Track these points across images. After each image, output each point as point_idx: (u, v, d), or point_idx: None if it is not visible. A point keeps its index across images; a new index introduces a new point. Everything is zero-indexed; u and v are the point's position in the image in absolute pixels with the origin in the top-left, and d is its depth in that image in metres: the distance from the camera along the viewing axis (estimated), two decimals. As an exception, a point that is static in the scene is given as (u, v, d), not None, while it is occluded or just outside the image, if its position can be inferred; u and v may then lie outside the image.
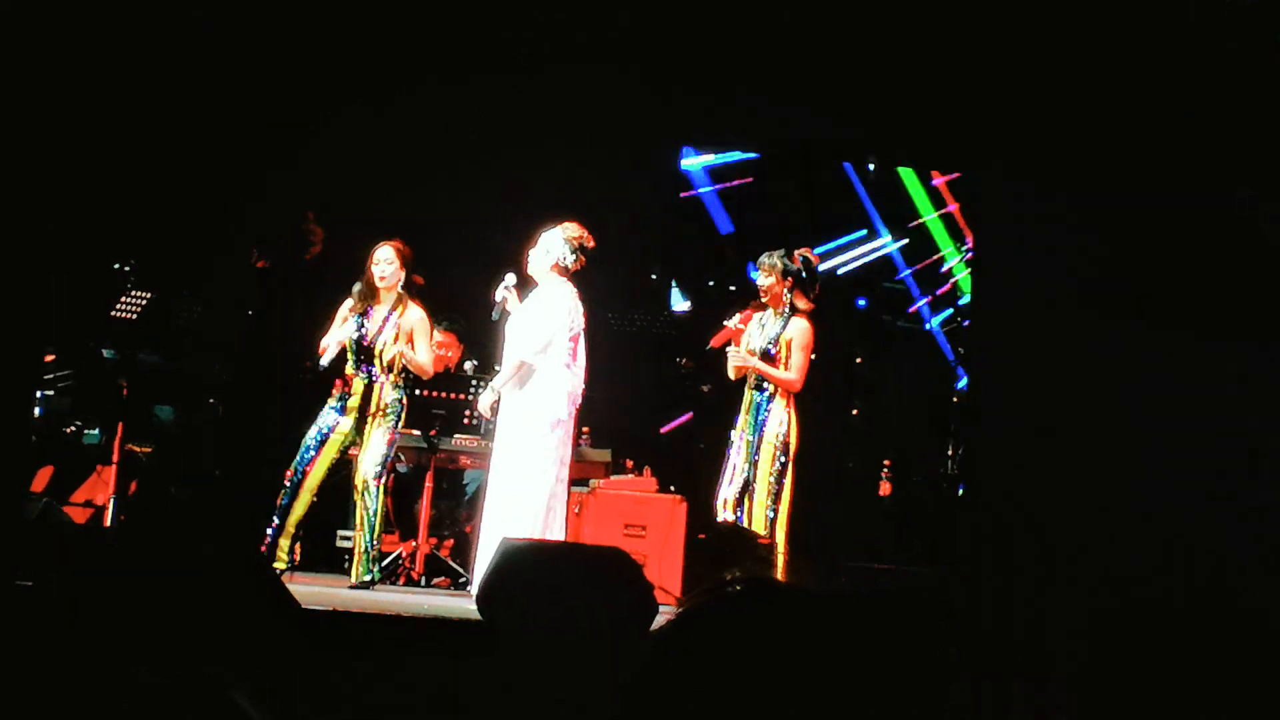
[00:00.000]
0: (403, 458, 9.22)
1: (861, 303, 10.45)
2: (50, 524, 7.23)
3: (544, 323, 7.67)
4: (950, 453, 10.34)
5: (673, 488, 9.07)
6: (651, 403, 10.57)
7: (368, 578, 8.11)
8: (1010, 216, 8.55)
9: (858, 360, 10.10)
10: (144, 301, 9.04)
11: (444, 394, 9.02)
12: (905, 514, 9.72)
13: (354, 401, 8.12)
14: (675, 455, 10.12)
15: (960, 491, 9.69)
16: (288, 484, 8.04)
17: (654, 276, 10.83)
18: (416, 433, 8.94)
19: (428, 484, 8.93)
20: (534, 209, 8.28)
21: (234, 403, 9.38)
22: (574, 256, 7.78)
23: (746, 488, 7.81)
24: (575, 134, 10.60)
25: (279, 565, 7.88)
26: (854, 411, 10.06)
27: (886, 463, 9.99)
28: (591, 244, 7.83)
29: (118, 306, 9.04)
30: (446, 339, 9.42)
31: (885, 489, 9.92)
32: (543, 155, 10.52)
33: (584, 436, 9.28)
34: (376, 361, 8.13)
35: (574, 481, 9.24)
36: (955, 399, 10.34)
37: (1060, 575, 6.64)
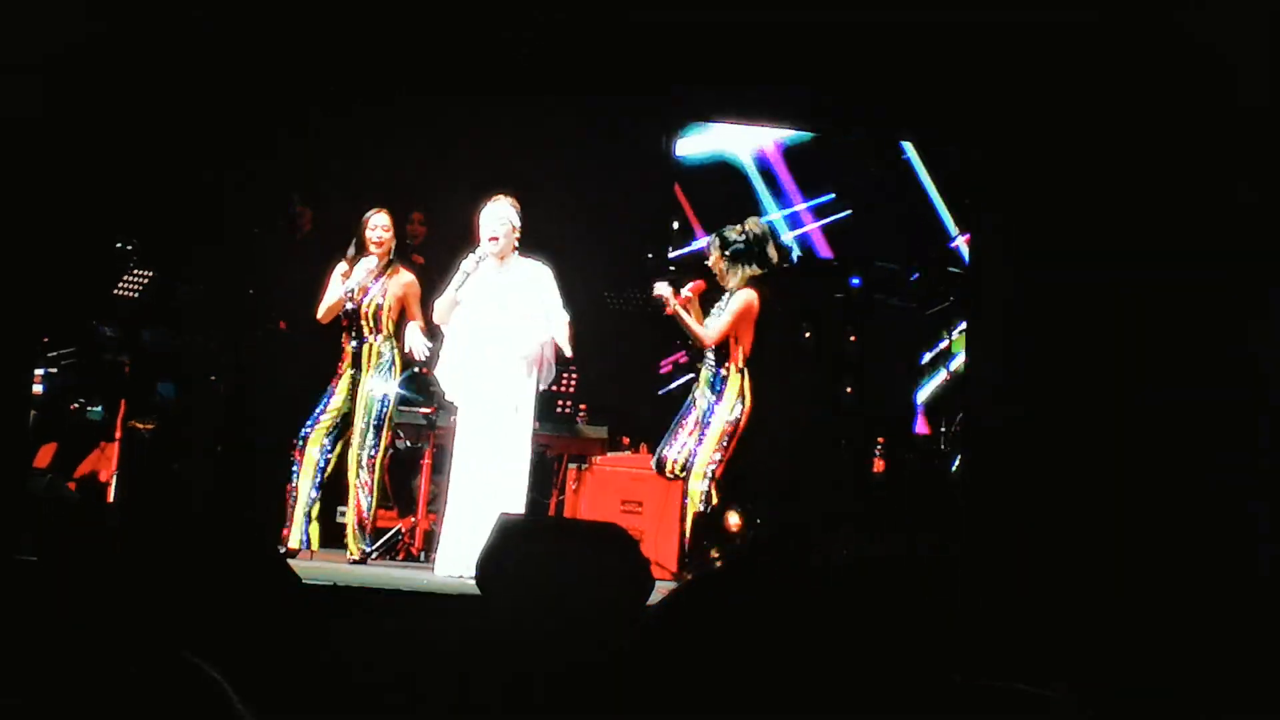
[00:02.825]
0: (402, 434, 9.22)
1: (855, 281, 10.45)
2: (54, 500, 7.30)
3: (556, 300, 7.73)
4: (943, 429, 10.40)
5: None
6: (648, 380, 10.60)
7: (368, 549, 8.12)
8: (1009, 199, 8.60)
9: (851, 339, 10.11)
10: (146, 280, 9.02)
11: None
12: (898, 490, 9.76)
13: (346, 368, 8.07)
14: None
15: (953, 468, 9.78)
16: (296, 461, 8.04)
17: (649, 256, 10.83)
18: (419, 411, 8.96)
19: (426, 460, 8.93)
20: (532, 188, 8.29)
21: (235, 382, 9.39)
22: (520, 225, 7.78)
23: (689, 457, 7.94)
24: (572, 108, 10.53)
25: (296, 546, 7.91)
26: (848, 389, 10.07)
27: (880, 440, 10.02)
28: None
29: (120, 285, 9.02)
30: None
31: (879, 465, 9.94)
32: (539, 132, 10.47)
33: (581, 414, 9.30)
34: (365, 323, 8.06)
35: (571, 458, 9.32)
36: (948, 376, 10.40)
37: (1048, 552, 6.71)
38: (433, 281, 9.73)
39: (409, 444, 9.31)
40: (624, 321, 9.91)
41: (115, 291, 8.98)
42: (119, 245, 9.03)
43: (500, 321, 7.70)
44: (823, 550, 8.27)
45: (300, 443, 8.03)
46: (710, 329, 7.90)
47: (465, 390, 7.78)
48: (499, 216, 7.69)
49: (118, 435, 8.78)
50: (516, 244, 7.74)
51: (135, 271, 9.00)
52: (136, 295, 8.96)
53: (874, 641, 1.52)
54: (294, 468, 8.05)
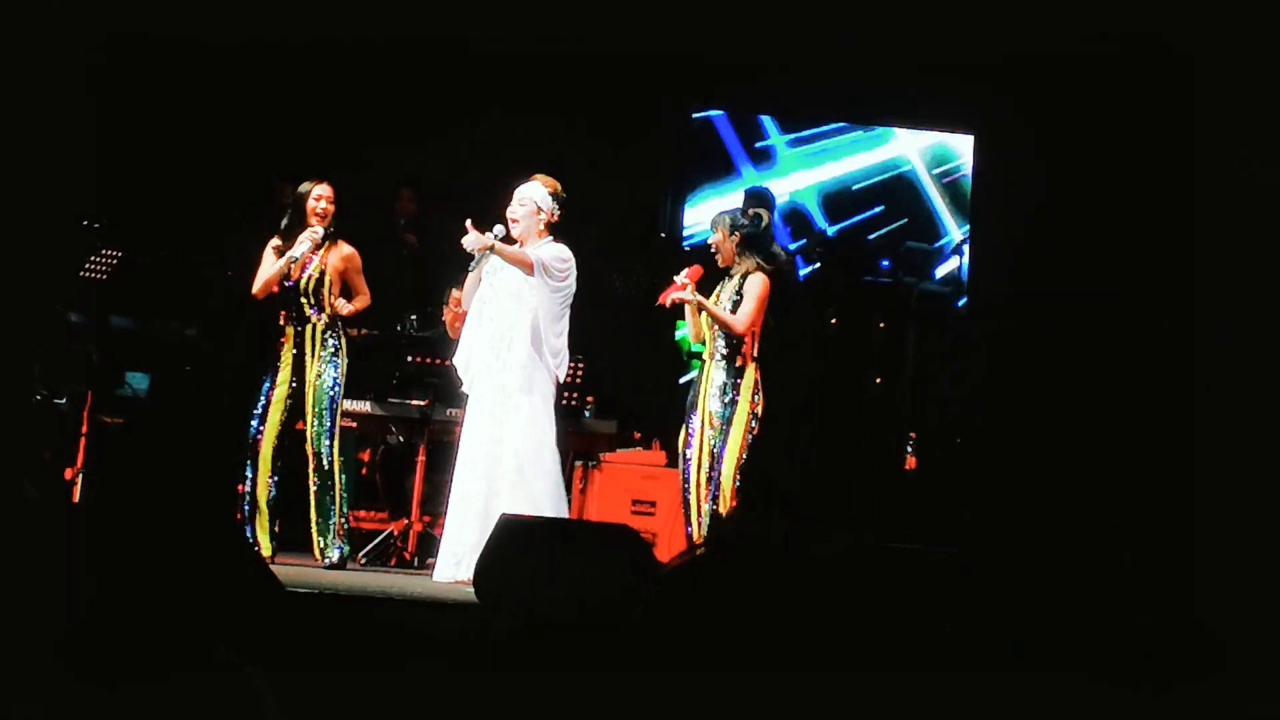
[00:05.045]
0: (394, 429, 8.90)
1: (884, 264, 10.01)
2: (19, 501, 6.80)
3: (568, 285, 7.45)
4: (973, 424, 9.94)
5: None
6: (660, 370, 10.18)
7: (335, 556, 7.64)
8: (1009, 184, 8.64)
9: (880, 326, 9.66)
10: (114, 261, 8.62)
11: (439, 361, 8.59)
12: (931, 489, 9.30)
13: (287, 351, 7.64)
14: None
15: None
16: (246, 465, 7.64)
17: (663, 235, 10.45)
18: (415, 402, 8.66)
19: (420, 458, 8.56)
20: (540, 168, 7.91)
21: (211, 368, 9.01)
22: (559, 209, 7.55)
23: (714, 466, 7.58)
24: (583, 89, 10.38)
25: (269, 552, 7.46)
26: (877, 380, 9.64)
27: (911, 435, 9.55)
28: (564, 194, 7.60)
29: (86, 266, 8.63)
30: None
31: (910, 463, 9.48)
32: (549, 113, 10.27)
33: (588, 407, 9.00)
34: (305, 300, 7.63)
35: (578, 454, 8.91)
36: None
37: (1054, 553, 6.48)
38: (424, 260, 9.38)
39: (401, 439, 8.99)
40: (635, 308, 9.53)
41: (82, 273, 8.57)
42: (85, 224, 8.59)
43: (508, 307, 7.40)
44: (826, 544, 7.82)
45: (252, 444, 7.61)
46: (740, 318, 7.57)
47: (473, 378, 7.44)
48: (521, 198, 7.53)
49: (84, 429, 8.32)
50: (545, 226, 7.49)
51: (103, 252, 8.62)
52: (104, 277, 8.51)
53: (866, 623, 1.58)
54: (248, 470, 7.62)
